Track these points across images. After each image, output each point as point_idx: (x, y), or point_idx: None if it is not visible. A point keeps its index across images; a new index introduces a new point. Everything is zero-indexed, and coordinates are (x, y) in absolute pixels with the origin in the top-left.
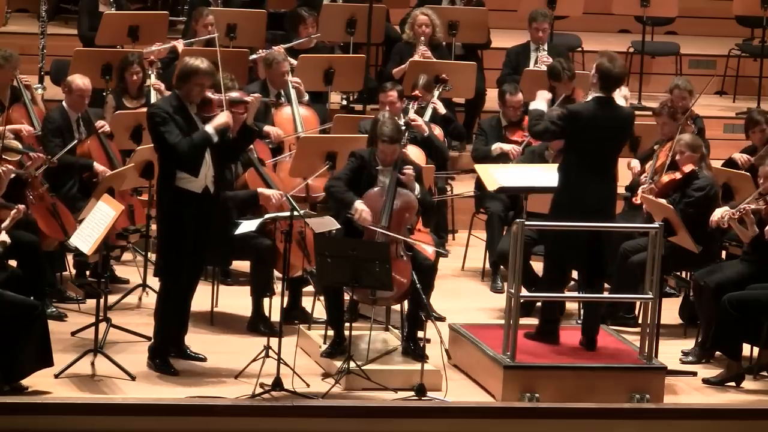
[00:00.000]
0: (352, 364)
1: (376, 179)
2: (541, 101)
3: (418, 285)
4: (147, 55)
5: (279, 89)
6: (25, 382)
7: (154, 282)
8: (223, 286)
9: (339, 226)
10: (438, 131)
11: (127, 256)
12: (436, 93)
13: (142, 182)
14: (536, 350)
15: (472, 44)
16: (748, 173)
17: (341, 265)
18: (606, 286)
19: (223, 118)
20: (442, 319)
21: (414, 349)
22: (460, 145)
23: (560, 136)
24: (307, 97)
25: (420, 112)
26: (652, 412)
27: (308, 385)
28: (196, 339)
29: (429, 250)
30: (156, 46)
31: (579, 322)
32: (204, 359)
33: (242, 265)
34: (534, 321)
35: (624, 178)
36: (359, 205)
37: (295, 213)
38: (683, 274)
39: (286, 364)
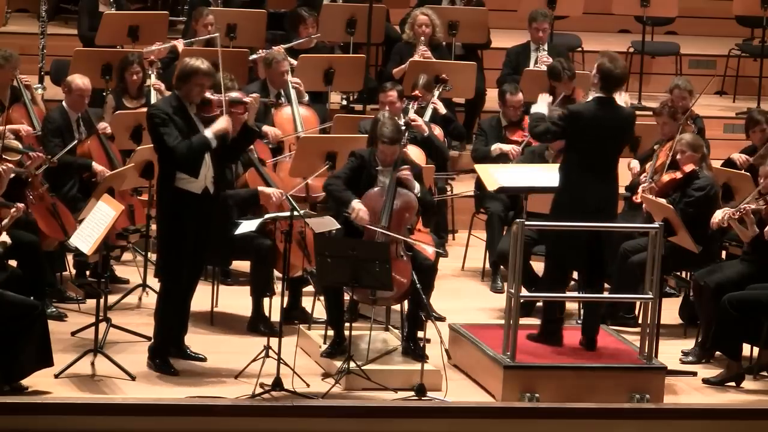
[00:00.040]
0: (352, 364)
1: (376, 179)
2: (542, 104)
3: (418, 285)
4: (147, 55)
5: (279, 89)
6: (25, 382)
7: (154, 282)
8: (223, 286)
9: (339, 226)
10: (438, 131)
11: (127, 256)
12: (436, 93)
13: (142, 182)
14: (536, 350)
15: (472, 44)
16: (747, 173)
17: (341, 265)
18: (606, 286)
19: (222, 123)
20: (442, 319)
21: (414, 349)
22: (460, 145)
23: (561, 136)
24: (306, 98)
25: (420, 112)
26: (652, 412)
27: (308, 385)
28: (196, 339)
29: (429, 250)
30: (156, 46)
31: (579, 322)
32: (204, 359)
33: (242, 265)
34: (533, 321)
35: (624, 179)
36: (356, 204)
37: (295, 213)
38: (683, 274)
39: (286, 364)
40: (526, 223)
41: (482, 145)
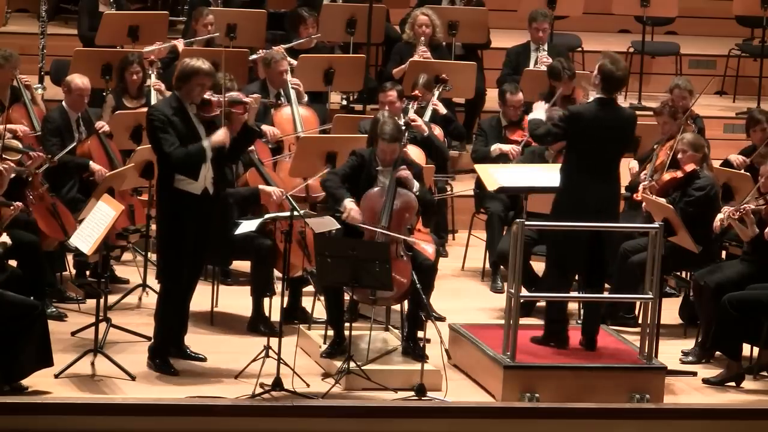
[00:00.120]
0: (352, 364)
1: (376, 179)
2: (538, 111)
3: (418, 285)
4: (147, 55)
5: (278, 89)
6: (25, 382)
7: (154, 282)
8: (223, 286)
9: (339, 226)
10: (438, 131)
11: (127, 256)
12: (436, 93)
13: (142, 182)
14: (536, 350)
15: (472, 44)
16: (747, 173)
17: (341, 265)
18: (606, 286)
19: (221, 136)
20: (442, 319)
21: (414, 349)
22: (460, 145)
23: (563, 138)
24: (306, 99)
25: (420, 112)
26: (652, 412)
27: (308, 385)
28: (196, 339)
29: (429, 250)
30: (156, 46)
31: (579, 322)
32: (204, 359)
33: (242, 265)
34: (533, 321)
35: (624, 179)
36: (348, 203)
37: (295, 213)
38: (683, 274)
39: (286, 364)
40: (526, 223)
41: (482, 145)
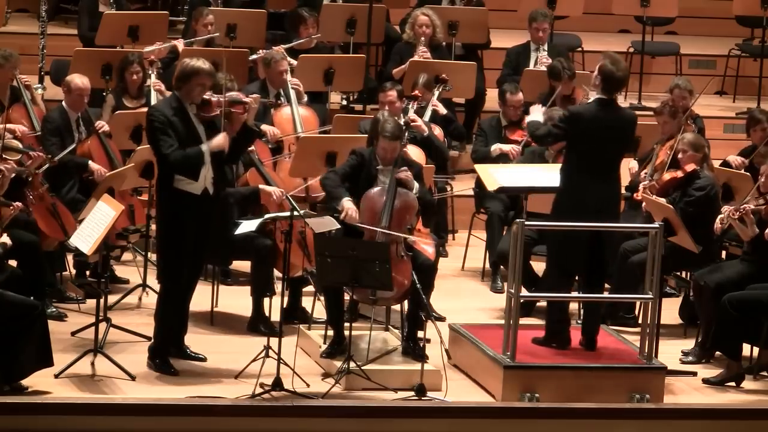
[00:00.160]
0: (352, 364)
1: (376, 179)
2: (536, 114)
3: (418, 285)
4: (147, 55)
5: (278, 89)
6: (25, 382)
7: (154, 282)
8: (223, 286)
9: (339, 226)
10: (438, 131)
11: (127, 256)
12: (436, 93)
13: (142, 182)
14: (536, 350)
15: (472, 44)
16: (747, 173)
17: (341, 265)
18: (606, 286)
19: (220, 141)
20: (442, 319)
21: (414, 349)
22: (460, 145)
23: (563, 138)
24: (306, 99)
25: (420, 112)
26: (652, 412)
27: (308, 385)
28: (196, 339)
29: (429, 250)
30: (156, 46)
31: (579, 322)
32: (204, 359)
33: (242, 265)
34: (533, 321)
35: (624, 179)
36: (346, 203)
37: (295, 213)
38: (683, 274)
39: (286, 364)
40: (526, 223)
41: (482, 145)
